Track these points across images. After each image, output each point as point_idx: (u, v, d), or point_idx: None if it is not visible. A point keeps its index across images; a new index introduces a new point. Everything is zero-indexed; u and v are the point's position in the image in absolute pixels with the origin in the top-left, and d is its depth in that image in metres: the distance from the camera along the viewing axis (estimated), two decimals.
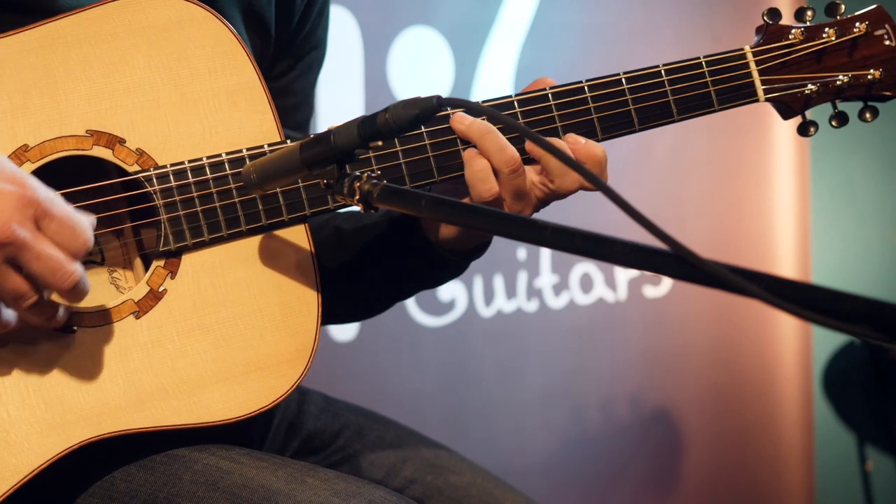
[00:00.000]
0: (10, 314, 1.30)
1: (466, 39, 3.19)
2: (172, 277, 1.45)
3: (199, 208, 1.45)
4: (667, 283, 3.61)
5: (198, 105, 1.47)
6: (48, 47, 1.41)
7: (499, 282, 3.30)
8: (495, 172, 1.48)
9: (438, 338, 3.20)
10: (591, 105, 1.56)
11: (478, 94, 3.20)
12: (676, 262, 1.04)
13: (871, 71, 1.60)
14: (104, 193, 1.45)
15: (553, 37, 3.34)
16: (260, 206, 1.48)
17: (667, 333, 3.63)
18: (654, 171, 3.57)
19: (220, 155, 1.47)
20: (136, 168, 1.44)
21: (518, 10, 3.27)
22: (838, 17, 1.61)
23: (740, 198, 3.75)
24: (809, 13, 1.61)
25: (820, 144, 3.89)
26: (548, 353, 3.41)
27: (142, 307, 1.43)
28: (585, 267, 3.47)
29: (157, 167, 1.44)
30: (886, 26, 1.60)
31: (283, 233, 1.50)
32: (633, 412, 3.60)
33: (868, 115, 1.62)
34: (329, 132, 1.31)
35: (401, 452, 1.78)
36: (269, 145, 1.49)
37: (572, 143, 1.52)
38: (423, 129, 1.52)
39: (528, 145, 1.51)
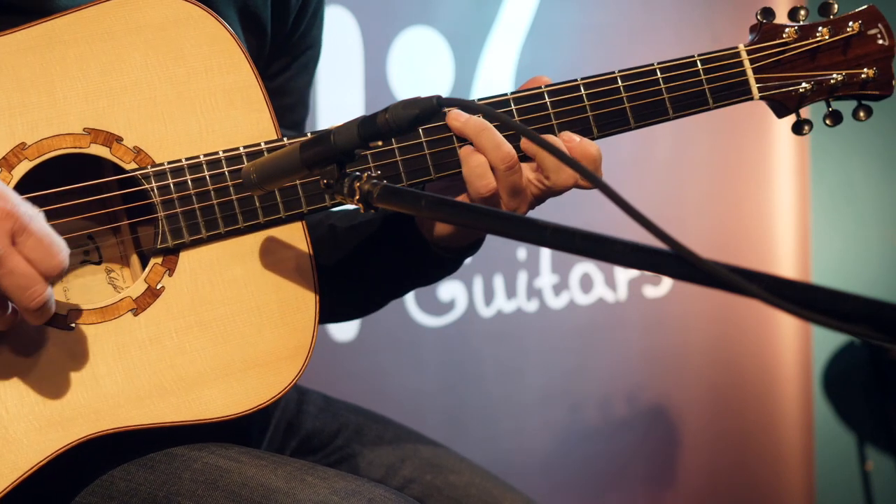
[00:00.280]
0: None
1: (466, 39, 3.19)
2: (170, 275, 1.45)
3: (196, 206, 1.46)
4: (667, 283, 3.61)
5: (195, 103, 1.47)
6: (45, 46, 1.42)
7: (499, 282, 3.30)
8: (492, 169, 1.49)
9: (438, 338, 3.20)
10: (587, 103, 1.57)
11: (478, 94, 3.20)
12: (676, 262, 1.04)
13: (865, 70, 1.61)
14: (101, 191, 1.45)
15: (553, 37, 3.34)
16: (257, 204, 1.48)
17: (667, 333, 3.63)
18: (654, 171, 3.57)
19: (217, 153, 1.47)
20: (134, 166, 1.44)
21: (518, 10, 3.27)
22: (831, 17, 1.62)
23: (740, 198, 3.75)
24: (803, 13, 1.62)
25: (820, 144, 3.89)
26: (548, 353, 3.41)
27: (140, 304, 1.43)
28: (585, 267, 3.47)
29: (154, 165, 1.45)
30: (879, 26, 1.61)
31: (281, 230, 1.50)
32: (632, 412, 3.60)
33: (862, 114, 1.63)
34: (329, 132, 1.31)
35: (400, 452, 1.78)
36: (267, 143, 1.49)
37: (567, 141, 1.52)
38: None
39: (524, 143, 1.51)
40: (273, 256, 1.49)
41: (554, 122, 1.56)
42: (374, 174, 1.32)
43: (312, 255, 1.51)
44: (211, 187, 1.47)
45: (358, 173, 1.32)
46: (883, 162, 4.20)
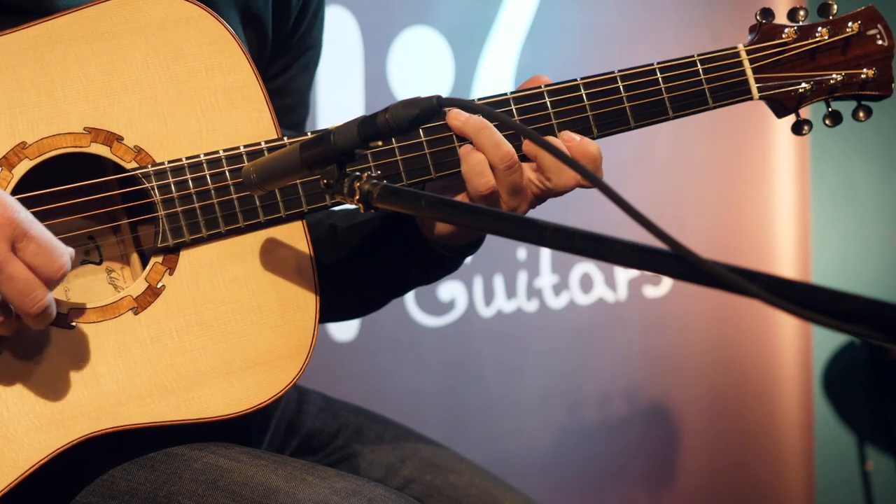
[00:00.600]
0: None
1: (466, 39, 3.19)
2: (171, 274, 1.45)
3: (196, 205, 1.46)
4: (667, 283, 3.61)
5: (195, 103, 1.48)
6: (46, 45, 1.42)
7: (499, 282, 3.30)
8: (491, 168, 1.49)
9: (438, 338, 3.20)
10: (587, 103, 1.57)
11: (478, 94, 3.20)
12: (676, 262, 1.04)
13: (865, 70, 1.61)
14: (102, 191, 1.45)
15: (553, 37, 3.34)
16: (257, 203, 1.48)
17: (667, 333, 3.63)
18: (654, 171, 3.57)
19: (217, 152, 1.47)
20: (134, 165, 1.44)
21: (518, 10, 3.27)
22: (831, 17, 1.62)
23: (740, 198, 3.75)
24: (802, 13, 1.63)
25: (820, 144, 3.89)
26: (548, 353, 3.41)
27: (140, 303, 1.43)
28: (585, 267, 3.47)
29: (154, 164, 1.45)
30: (879, 26, 1.61)
31: (281, 229, 1.50)
32: (632, 412, 3.60)
33: (862, 114, 1.64)
34: (329, 132, 1.31)
35: (400, 452, 1.78)
36: (267, 142, 1.49)
37: (567, 140, 1.52)
38: None
39: (525, 143, 1.51)
40: (273, 255, 1.50)
41: (554, 121, 1.56)
42: (374, 174, 1.32)
43: (313, 255, 1.51)
44: (211, 186, 1.47)
45: (358, 173, 1.32)
46: (883, 162, 4.20)
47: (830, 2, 1.63)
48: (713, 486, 3.75)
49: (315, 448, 1.79)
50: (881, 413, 4.05)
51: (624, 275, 3.53)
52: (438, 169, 1.54)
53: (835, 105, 1.65)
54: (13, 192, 1.36)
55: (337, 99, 2.96)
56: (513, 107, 1.56)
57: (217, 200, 1.47)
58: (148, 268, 1.45)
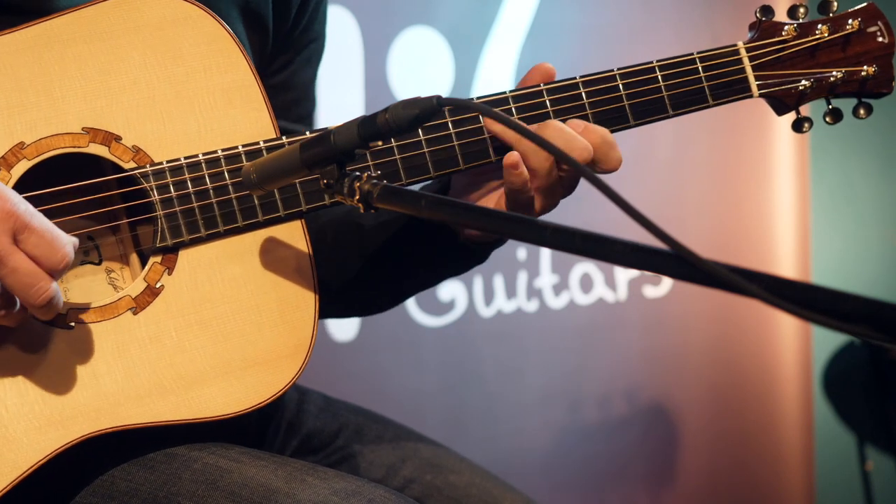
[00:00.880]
0: None
1: (466, 39, 3.19)
2: (170, 273, 1.45)
3: (195, 204, 1.46)
4: (667, 283, 3.61)
5: (193, 102, 1.47)
6: (44, 45, 1.42)
7: (499, 282, 3.30)
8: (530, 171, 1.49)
9: (438, 338, 3.20)
10: (586, 101, 1.57)
11: (478, 94, 3.20)
12: (676, 262, 1.03)
13: (865, 67, 1.61)
14: (100, 191, 1.45)
15: (553, 37, 3.34)
16: (256, 202, 1.48)
17: (667, 333, 3.63)
18: (654, 171, 3.57)
19: (216, 152, 1.47)
20: (133, 165, 1.44)
21: (518, 10, 3.27)
22: (831, 14, 1.62)
23: (740, 198, 3.75)
24: (802, 10, 1.63)
25: (820, 144, 3.89)
26: (548, 353, 3.41)
27: (139, 303, 1.43)
28: (585, 267, 3.47)
29: (153, 164, 1.45)
30: (879, 23, 1.61)
31: (280, 228, 1.50)
32: (632, 412, 3.60)
33: (862, 112, 1.63)
34: (329, 132, 1.31)
35: (400, 452, 1.78)
36: (265, 142, 1.49)
37: (574, 127, 1.52)
38: None
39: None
40: (272, 255, 1.50)
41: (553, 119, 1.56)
42: (374, 174, 1.32)
43: (312, 254, 1.51)
44: (210, 186, 1.47)
45: (358, 173, 1.32)
46: (882, 162, 4.20)
47: None
48: (713, 486, 3.75)
49: (315, 448, 1.79)
50: (881, 413, 4.05)
51: (624, 275, 3.53)
52: (438, 168, 1.54)
53: (835, 102, 1.65)
54: None
55: (337, 99, 2.96)
56: (511, 105, 1.56)
57: (215, 200, 1.47)
58: (147, 268, 1.45)
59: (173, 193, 1.45)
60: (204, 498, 1.37)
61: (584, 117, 1.57)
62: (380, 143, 1.30)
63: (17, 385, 1.37)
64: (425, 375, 3.18)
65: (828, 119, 1.64)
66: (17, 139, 1.40)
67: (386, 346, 3.10)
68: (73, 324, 1.39)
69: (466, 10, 3.19)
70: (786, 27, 1.62)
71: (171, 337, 1.44)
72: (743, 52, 1.61)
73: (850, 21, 1.61)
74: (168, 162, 1.45)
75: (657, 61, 1.60)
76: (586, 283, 3.48)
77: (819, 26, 1.61)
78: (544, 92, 1.57)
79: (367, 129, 1.28)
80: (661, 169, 3.58)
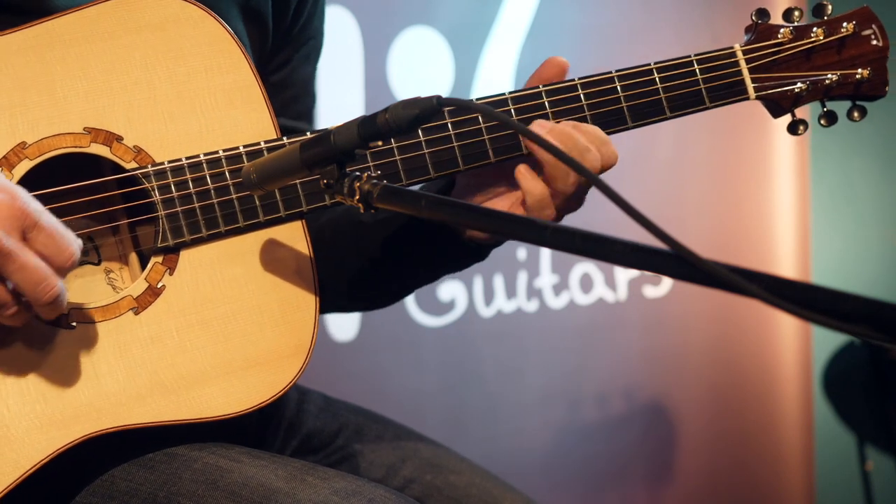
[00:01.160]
0: None
1: (466, 39, 3.19)
2: (171, 274, 1.45)
3: (196, 205, 1.46)
4: (667, 283, 3.61)
5: (195, 103, 1.48)
6: (46, 45, 1.42)
7: (499, 282, 3.30)
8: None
9: (438, 338, 3.20)
10: (584, 102, 1.58)
11: (478, 94, 3.20)
12: (676, 262, 1.04)
13: (860, 70, 1.62)
14: (101, 190, 1.45)
15: (553, 37, 3.34)
16: (257, 203, 1.48)
17: (667, 333, 3.63)
18: (654, 171, 3.57)
19: (217, 152, 1.47)
20: (134, 165, 1.44)
21: (518, 10, 3.27)
22: (825, 18, 1.63)
23: (740, 198, 3.75)
24: (797, 13, 1.63)
25: (820, 144, 3.89)
26: (548, 353, 3.41)
27: (140, 303, 1.43)
28: (585, 267, 3.47)
29: (154, 164, 1.45)
30: (873, 26, 1.62)
31: (281, 229, 1.50)
32: (632, 412, 3.60)
33: (856, 115, 1.64)
34: (329, 132, 1.31)
35: (400, 452, 1.78)
36: (266, 142, 1.49)
37: (575, 127, 1.53)
38: None
39: (526, 142, 1.52)
40: (273, 255, 1.50)
41: (552, 120, 1.56)
42: (374, 174, 1.32)
43: (312, 255, 1.51)
44: (211, 186, 1.47)
45: (358, 173, 1.32)
46: (882, 162, 4.20)
47: (825, 2, 1.63)
48: (713, 486, 3.75)
49: (315, 448, 1.79)
50: (881, 413, 4.05)
51: (624, 275, 3.53)
52: (438, 168, 1.54)
53: (830, 105, 1.66)
54: None
55: (337, 99, 2.96)
56: (511, 107, 1.56)
57: (217, 200, 1.47)
58: (148, 268, 1.45)
59: (175, 193, 1.45)
60: (204, 498, 1.37)
61: (583, 119, 1.57)
62: (380, 143, 1.31)
63: (19, 385, 1.37)
64: (425, 375, 3.18)
65: (822, 122, 1.65)
66: (19, 139, 1.40)
67: (386, 346, 3.10)
68: (74, 323, 1.39)
69: (466, 10, 3.19)
70: (781, 30, 1.62)
71: (173, 337, 1.44)
72: (740, 55, 1.62)
73: (844, 24, 1.61)
74: (169, 162, 1.45)
75: (654, 63, 1.60)
76: (586, 283, 3.48)
77: (814, 29, 1.62)
78: (543, 94, 1.57)
79: (367, 129, 1.29)
80: (661, 169, 3.58)
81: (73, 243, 1.29)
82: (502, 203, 1.58)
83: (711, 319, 3.70)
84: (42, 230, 1.26)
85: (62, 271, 1.28)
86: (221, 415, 1.44)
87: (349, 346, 3.03)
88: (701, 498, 3.74)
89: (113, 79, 1.45)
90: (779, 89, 1.62)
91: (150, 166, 1.45)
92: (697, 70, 1.61)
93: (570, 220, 1.15)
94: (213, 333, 1.45)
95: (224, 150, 1.48)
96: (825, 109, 1.65)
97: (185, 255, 1.46)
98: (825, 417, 4.08)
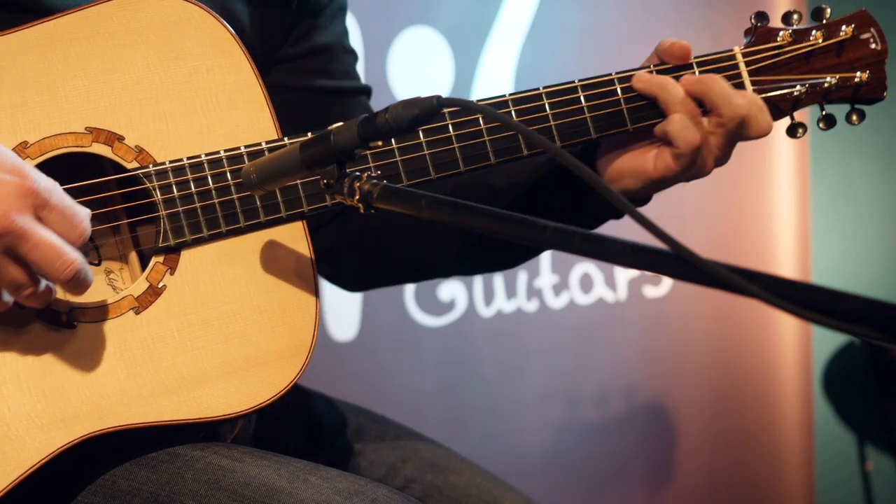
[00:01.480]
0: (8, 297, 1.31)
1: (466, 39, 3.20)
2: (172, 273, 1.45)
3: (197, 204, 1.46)
4: (667, 283, 3.61)
5: (196, 103, 1.48)
6: (47, 45, 1.42)
7: (499, 282, 3.31)
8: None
9: (438, 338, 3.20)
10: (584, 104, 1.58)
11: (478, 94, 3.20)
12: (676, 262, 1.04)
13: (858, 73, 1.62)
14: (101, 190, 1.45)
15: (553, 37, 3.34)
16: (258, 203, 1.49)
17: (667, 333, 3.63)
18: None
19: (218, 152, 1.48)
20: (135, 165, 1.45)
21: (518, 10, 3.27)
22: (824, 21, 1.63)
23: (740, 198, 3.75)
24: (796, 16, 1.63)
25: (820, 145, 3.89)
26: (548, 353, 3.42)
27: (141, 303, 1.43)
28: (585, 267, 3.47)
29: (156, 164, 1.45)
30: (872, 30, 1.62)
31: (282, 229, 1.51)
32: (632, 412, 3.60)
33: (854, 118, 1.65)
34: (329, 132, 1.31)
35: (400, 452, 1.78)
36: (267, 143, 1.50)
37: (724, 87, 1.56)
38: None
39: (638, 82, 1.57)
40: (274, 256, 1.50)
41: (552, 122, 1.57)
42: (374, 174, 1.32)
43: (313, 255, 1.52)
44: (212, 186, 1.47)
45: (358, 173, 1.32)
46: (883, 162, 4.20)
47: (824, 6, 1.64)
48: (713, 486, 3.75)
49: (316, 448, 1.79)
50: (881, 413, 4.05)
51: (624, 275, 3.53)
52: (438, 170, 1.54)
53: (829, 108, 1.66)
54: None
55: None
56: (511, 108, 1.56)
57: (218, 200, 1.47)
58: (149, 267, 1.45)
59: (176, 193, 1.45)
60: (206, 497, 1.37)
61: (583, 121, 1.57)
62: (380, 143, 1.31)
63: (20, 384, 1.37)
64: (425, 375, 3.18)
65: (821, 125, 1.65)
66: (21, 138, 1.40)
67: (386, 346, 3.10)
68: (75, 323, 1.39)
69: (466, 10, 3.19)
70: (781, 33, 1.63)
71: (173, 337, 1.44)
72: (739, 57, 1.62)
73: (843, 28, 1.61)
74: (171, 162, 1.46)
75: (655, 66, 1.60)
76: (586, 283, 3.48)
77: (813, 32, 1.62)
78: (543, 96, 1.57)
79: (367, 129, 1.29)
80: None
81: (85, 219, 1.30)
82: (651, 152, 1.59)
83: (711, 319, 3.70)
84: (53, 208, 1.27)
85: (75, 246, 1.29)
86: (222, 415, 1.44)
87: (349, 346, 3.03)
88: (701, 498, 3.74)
89: (114, 79, 1.45)
90: (778, 92, 1.62)
91: (151, 166, 1.45)
92: (697, 72, 1.61)
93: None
94: (213, 333, 1.46)
95: (225, 151, 1.48)
96: (824, 113, 1.65)
97: (186, 255, 1.46)
98: (825, 417, 4.08)
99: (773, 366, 3.84)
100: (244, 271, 1.48)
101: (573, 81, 1.58)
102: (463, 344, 3.25)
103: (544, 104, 1.57)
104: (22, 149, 1.40)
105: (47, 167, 1.40)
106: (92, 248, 1.50)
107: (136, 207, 1.47)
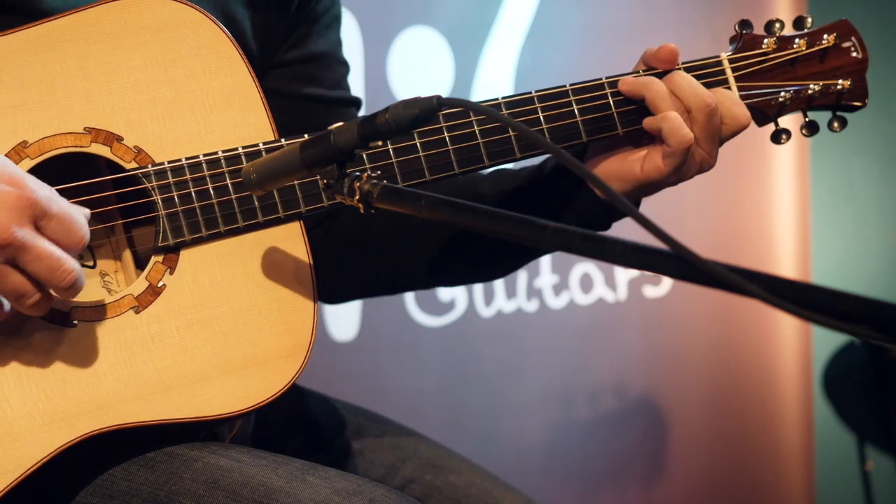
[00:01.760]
0: (8, 306, 1.31)
1: (466, 39, 3.19)
2: (171, 273, 1.46)
3: (196, 204, 1.47)
4: (667, 283, 3.61)
5: (193, 104, 1.49)
6: (46, 46, 1.43)
7: (499, 282, 3.31)
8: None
9: (438, 338, 3.20)
10: (575, 108, 1.59)
11: (478, 94, 3.20)
12: (676, 262, 1.04)
13: (840, 81, 1.65)
14: (99, 190, 1.45)
15: (553, 37, 3.34)
16: (256, 203, 1.49)
17: (667, 333, 3.63)
18: None
19: (216, 153, 1.48)
20: (134, 165, 1.45)
21: (518, 10, 3.27)
22: (806, 30, 1.67)
23: (740, 198, 3.75)
24: (778, 25, 1.68)
25: (820, 145, 3.89)
26: (548, 353, 3.41)
27: (141, 302, 1.44)
28: (585, 267, 3.47)
29: (155, 164, 1.45)
30: (853, 39, 1.66)
31: (280, 229, 1.51)
32: (632, 412, 3.60)
33: (836, 125, 1.68)
34: (329, 132, 1.31)
35: (400, 452, 1.78)
36: (265, 144, 1.50)
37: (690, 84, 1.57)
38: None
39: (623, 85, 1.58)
40: (272, 256, 1.50)
41: (544, 126, 1.58)
42: (373, 174, 1.32)
43: (311, 255, 1.52)
44: (210, 186, 1.48)
45: (358, 173, 1.32)
46: (883, 162, 4.20)
47: (805, 15, 1.67)
48: (713, 486, 3.75)
49: (315, 448, 1.79)
50: (881, 413, 4.05)
51: (624, 275, 3.53)
52: (433, 172, 1.55)
53: (813, 115, 1.69)
54: None
55: None
56: (504, 112, 1.57)
57: (216, 200, 1.48)
58: (148, 267, 1.45)
59: (175, 193, 1.46)
60: (205, 497, 1.38)
61: (574, 125, 1.58)
62: (380, 143, 1.31)
63: (21, 383, 1.37)
64: (425, 375, 3.18)
65: (804, 131, 1.70)
66: (20, 138, 1.40)
67: (386, 346, 3.10)
68: (76, 322, 1.40)
69: (466, 10, 3.19)
70: (765, 40, 1.66)
71: (173, 336, 1.44)
72: (726, 63, 1.65)
73: (825, 36, 1.65)
74: (170, 163, 1.46)
75: (643, 71, 1.62)
76: (586, 283, 3.48)
77: (797, 40, 1.66)
78: (535, 99, 1.58)
79: (367, 129, 1.29)
80: None
81: (84, 226, 1.30)
82: (638, 155, 1.59)
83: (711, 319, 3.70)
84: (53, 217, 1.28)
85: (75, 253, 1.30)
86: (221, 414, 1.45)
87: (349, 346, 3.03)
88: (701, 498, 3.74)
89: (112, 80, 1.45)
90: (764, 97, 1.65)
91: (150, 166, 1.45)
92: None
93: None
94: (212, 333, 1.46)
95: (223, 151, 1.48)
96: (807, 119, 1.69)
97: (186, 255, 1.47)
98: (825, 417, 4.08)
99: (773, 366, 3.84)
100: (243, 271, 1.49)
101: (564, 86, 1.60)
102: (463, 344, 3.25)
103: (536, 108, 1.58)
104: (21, 148, 1.40)
105: (46, 167, 1.40)
106: (87, 250, 1.50)
107: (133, 208, 1.47)
